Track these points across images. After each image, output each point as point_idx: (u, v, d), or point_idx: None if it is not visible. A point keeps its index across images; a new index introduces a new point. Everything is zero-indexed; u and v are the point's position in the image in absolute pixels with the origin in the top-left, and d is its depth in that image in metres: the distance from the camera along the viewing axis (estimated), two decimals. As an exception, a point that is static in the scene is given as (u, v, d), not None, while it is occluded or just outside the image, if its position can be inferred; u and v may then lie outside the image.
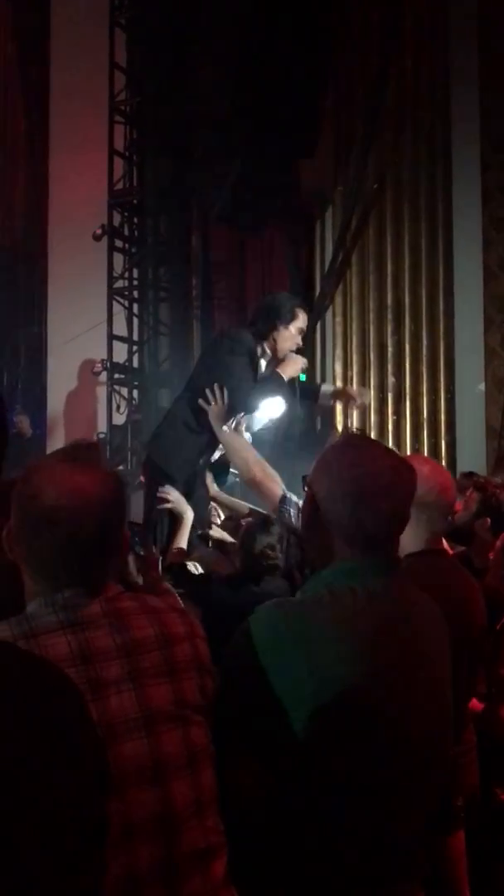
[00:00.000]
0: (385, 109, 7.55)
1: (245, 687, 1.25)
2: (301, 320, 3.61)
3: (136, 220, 8.69)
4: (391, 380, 7.43)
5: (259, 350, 3.59)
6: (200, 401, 3.40)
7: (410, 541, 1.83)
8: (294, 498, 2.85)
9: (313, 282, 7.97)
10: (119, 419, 8.33)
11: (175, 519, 3.26)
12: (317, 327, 7.57)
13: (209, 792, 1.22)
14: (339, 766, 1.21)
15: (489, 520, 2.62)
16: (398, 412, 7.36)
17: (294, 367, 3.59)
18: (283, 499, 2.83)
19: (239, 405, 3.42)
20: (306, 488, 1.41)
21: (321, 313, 7.69)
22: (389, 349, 7.45)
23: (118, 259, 8.54)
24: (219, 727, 1.28)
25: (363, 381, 7.33)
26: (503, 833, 2.03)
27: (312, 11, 7.33)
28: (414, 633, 1.33)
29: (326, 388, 4.15)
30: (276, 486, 2.91)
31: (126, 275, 8.57)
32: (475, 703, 2.14)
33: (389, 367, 7.44)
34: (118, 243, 8.55)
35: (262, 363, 3.65)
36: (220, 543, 3.41)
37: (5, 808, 0.65)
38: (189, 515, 3.27)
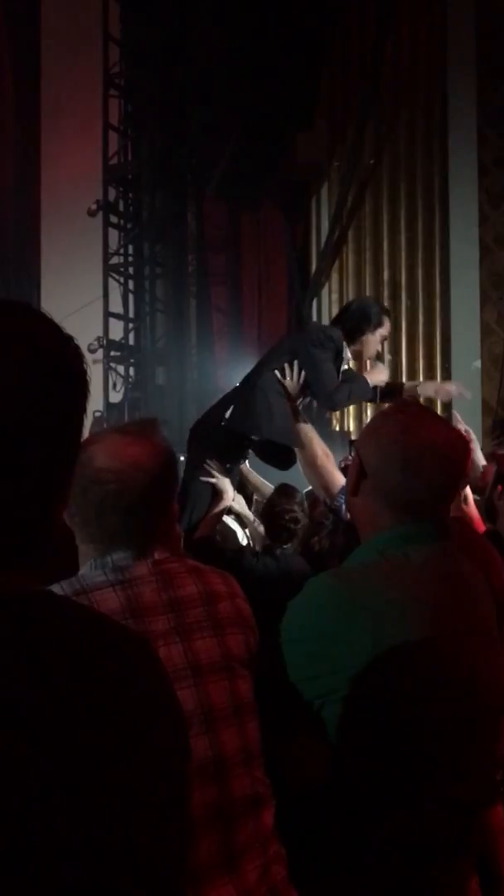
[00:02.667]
0: (381, 84, 7.49)
1: (303, 658, 1.25)
2: (386, 327, 3.65)
3: (131, 195, 8.61)
4: (388, 357, 7.44)
5: (346, 352, 3.61)
6: (277, 372, 3.42)
7: None
8: None
9: (309, 258, 7.94)
10: (116, 397, 8.33)
11: (216, 494, 3.30)
12: (313, 304, 7.56)
13: (255, 744, 1.26)
14: (403, 733, 1.21)
15: (501, 487, 2.64)
16: (400, 398, 7.37)
17: (380, 376, 3.64)
18: (343, 489, 2.81)
19: (324, 398, 3.46)
20: (353, 454, 1.39)
21: (317, 290, 7.68)
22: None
23: (113, 235, 8.49)
24: (273, 700, 1.29)
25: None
26: None
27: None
28: (468, 599, 1.32)
29: (411, 385, 4.10)
30: (337, 472, 2.89)
31: (121, 251, 8.52)
32: None
33: (386, 345, 7.43)
34: (113, 219, 8.49)
35: (348, 365, 3.69)
36: (238, 515, 3.48)
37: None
38: (229, 495, 3.33)
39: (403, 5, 7.46)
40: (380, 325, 3.59)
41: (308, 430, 3.10)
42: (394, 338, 7.41)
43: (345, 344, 3.57)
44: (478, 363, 7.10)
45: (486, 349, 7.05)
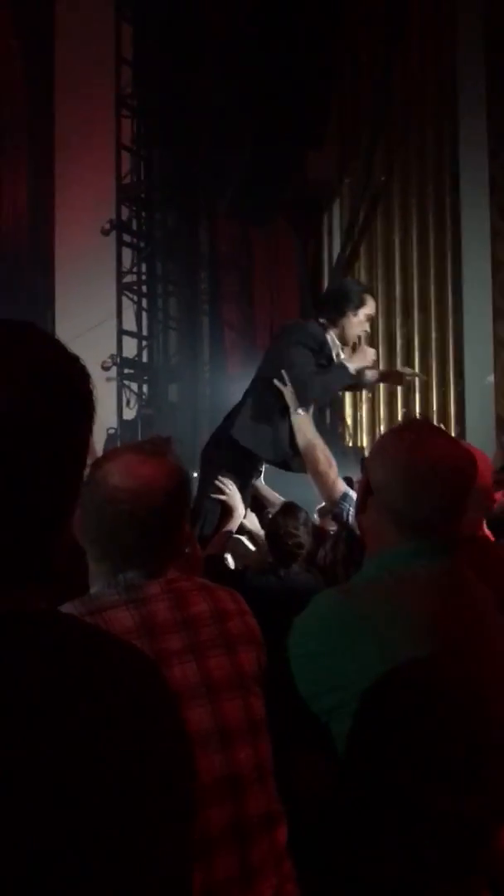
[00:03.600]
0: (392, 101, 7.54)
1: (310, 674, 1.25)
2: (370, 307, 3.50)
3: (144, 214, 8.70)
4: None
5: (329, 339, 3.50)
6: (276, 381, 3.36)
7: None
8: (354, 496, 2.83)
9: (321, 274, 7.97)
10: (129, 414, 8.37)
11: (225, 511, 3.25)
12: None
13: (268, 761, 1.28)
14: (409, 748, 1.21)
15: None
16: (407, 404, 7.37)
17: (364, 358, 3.50)
18: (345, 496, 2.80)
19: (302, 396, 3.36)
20: (362, 472, 1.41)
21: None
22: (398, 341, 7.46)
23: (126, 254, 8.56)
24: (279, 719, 1.30)
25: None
26: None
27: (320, 2, 7.31)
28: (476, 615, 1.32)
29: (371, 374, 4.02)
30: (340, 481, 2.88)
31: (135, 269, 8.59)
32: None
33: (398, 360, 7.44)
34: (126, 238, 8.57)
35: (340, 353, 3.57)
36: (249, 533, 3.45)
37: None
38: (240, 512, 3.27)
39: (413, 23, 7.51)
40: (361, 304, 3.45)
41: (312, 438, 3.07)
42: (406, 352, 7.42)
43: (329, 332, 3.48)
44: (491, 378, 7.08)
45: (499, 364, 7.03)
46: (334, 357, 3.48)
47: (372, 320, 3.60)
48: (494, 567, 1.90)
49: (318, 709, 1.24)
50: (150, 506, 1.23)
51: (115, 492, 1.22)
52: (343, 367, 3.42)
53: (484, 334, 7.09)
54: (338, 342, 3.45)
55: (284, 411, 3.31)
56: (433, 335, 7.34)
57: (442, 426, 6.21)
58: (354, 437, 7.31)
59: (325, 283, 7.84)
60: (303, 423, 3.17)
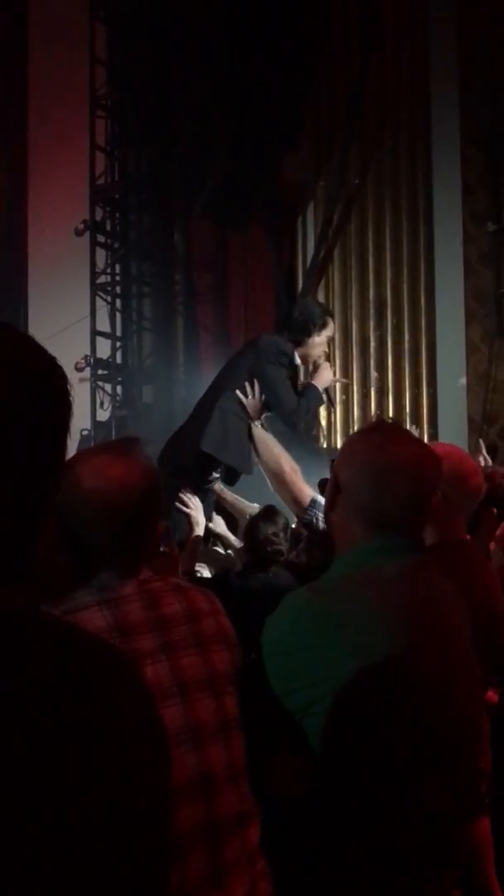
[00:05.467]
0: (366, 105, 7.59)
1: (283, 672, 1.27)
2: (330, 328, 3.69)
3: (118, 215, 8.66)
4: (374, 375, 7.49)
5: (296, 359, 3.64)
6: (238, 392, 3.44)
7: (429, 528, 1.84)
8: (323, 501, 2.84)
9: (296, 276, 8.00)
10: (103, 415, 8.32)
11: (188, 526, 3.26)
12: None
13: (241, 760, 1.28)
14: (383, 745, 1.23)
15: (495, 510, 2.65)
16: (381, 407, 7.41)
17: (328, 376, 3.66)
18: (313, 502, 2.83)
19: (285, 420, 3.49)
20: (331, 472, 1.43)
21: (304, 308, 7.72)
22: (372, 344, 7.50)
23: (100, 254, 8.51)
24: (254, 719, 1.31)
25: (346, 376, 7.37)
26: None
27: (295, 5, 7.34)
28: (441, 611, 1.35)
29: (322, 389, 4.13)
30: (306, 486, 2.92)
31: (109, 270, 8.55)
32: (491, 695, 2.16)
33: (372, 363, 7.49)
34: (100, 238, 8.52)
35: (297, 370, 3.72)
36: (219, 538, 3.46)
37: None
38: (202, 525, 3.28)
39: (388, 27, 7.57)
40: (324, 326, 3.62)
41: (274, 447, 3.12)
42: (380, 355, 7.47)
43: (295, 351, 3.60)
44: (463, 380, 7.15)
45: (471, 366, 7.11)
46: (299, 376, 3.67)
47: (331, 340, 3.75)
48: (468, 567, 1.92)
49: (293, 706, 1.25)
50: (122, 507, 1.23)
51: (87, 493, 1.22)
52: (314, 388, 3.57)
53: (456, 337, 7.17)
54: (299, 361, 3.61)
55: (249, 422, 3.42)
56: (406, 337, 7.40)
57: (415, 428, 6.29)
58: (328, 439, 7.34)
59: (300, 285, 7.86)
60: (264, 435, 3.24)
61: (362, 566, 1.33)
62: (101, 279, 8.50)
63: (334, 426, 7.35)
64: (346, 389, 7.26)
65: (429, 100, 7.47)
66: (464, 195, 7.23)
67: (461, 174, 7.25)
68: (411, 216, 7.50)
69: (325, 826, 1.25)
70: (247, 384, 3.45)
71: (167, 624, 1.27)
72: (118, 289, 8.58)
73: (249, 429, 3.42)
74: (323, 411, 7.14)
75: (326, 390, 3.69)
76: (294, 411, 3.50)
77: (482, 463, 3.72)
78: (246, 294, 8.34)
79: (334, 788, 1.24)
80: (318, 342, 3.62)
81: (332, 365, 7.46)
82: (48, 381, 0.68)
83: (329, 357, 3.79)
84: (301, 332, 3.59)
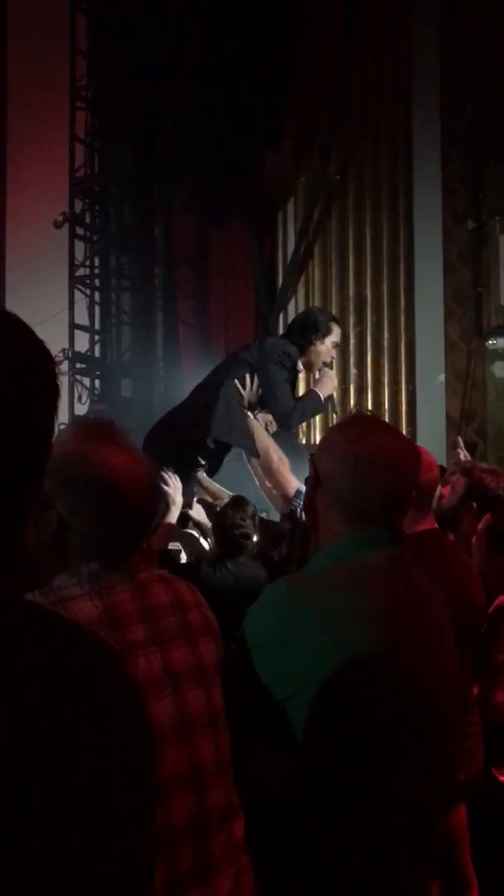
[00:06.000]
0: (347, 103, 7.60)
1: (264, 663, 1.26)
2: (335, 334, 3.67)
3: (97, 207, 8.59)
4: (353, 371, 7.51)
5: (298, 364, 3.64)
6: (237, 381, 3.45)
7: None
8: None
9: (276, 273, 8.00)
10: (81, 409, 8.27)
11: (165, 505, 3.28)
12: (280, 318, 7.60)
13: (227, 753, 1.27)
14: (363, 736, 1.22)
15: (475, 504, 2.65)
16: (360, 403, 7.44)
17: (331, 385, 3.65)
18: (298, 492, 2.85)
19: (280, 420, 3.49)
20: (310, 465, 1.43)
21: (284, 304, 7.73)
22: (352, 341, 7.52)
23: (79, 247, 8.45)
24: (234, 710, 1.30)
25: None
26: (502, 814, 2.08)
27: (278, 2, 7.33)
28: (422, 603, 1.35)
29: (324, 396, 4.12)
30: (292, 477, 2.94)
31: (87, 263, 8.49)
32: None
33: (352, 360, 7.51)
34: (80, 231, 8.46)
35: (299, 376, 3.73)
36: (198, 524, 3.47)
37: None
38: (178, 506, 3.31)
39: (369, 26, 7.59)
40: (328, 333, 3.62)
41: (264, 438, 3.16)
42: (359, 352, 7.49)
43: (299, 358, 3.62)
44: (442, 378, 7.20)
45: (450, 364, 7.15)
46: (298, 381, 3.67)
47: (337, 347, 3.74)
48: (442, 559, 1.93)
49: (275, 698, 1.25)
50: (118, 498, 1.20)
51: (79, 483, 1.19)
52: (315, 394, 3.56)
53: (435, 335, 7.21)
54: (302, 367, 3.60)
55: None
56: (386, 335, 7.43)
57: (393, 425, 6.30)
58: (308, 434, 7.35)
59: (280, 282, 7.86)
60: (257, 426, 3.27)
61: (343, 558, 1.33)
62: (80, 272, 8.44)
63: (313, 422, 7.36)
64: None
65: (410, 98, 7.50)
66: (444, 194, 7.27)
67: (441, 173, 7.30)
68: (391, 214, 7.53)
69: (306, 819, 1.25)
70: (247, 376, 3.46)
71: (156, 615, 1.25)
72: (97, 282, 8.52)
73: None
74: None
75: (330, 398, 3.68)
76: (289, 413, 3.52)
77: (462, 458, 3.74)
78: (226, 290, 8.33)
79: (315, 781, 1.24)
80: (323, 350, 3.62)
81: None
82: (38, 365, 0.67)
83: (333, 366, 3.76)
84: (303, 339, 3.60)
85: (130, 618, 1.22)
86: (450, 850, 1.60)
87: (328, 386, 3.64)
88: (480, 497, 2.69)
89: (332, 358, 3.71)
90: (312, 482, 1.41)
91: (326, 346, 3.63)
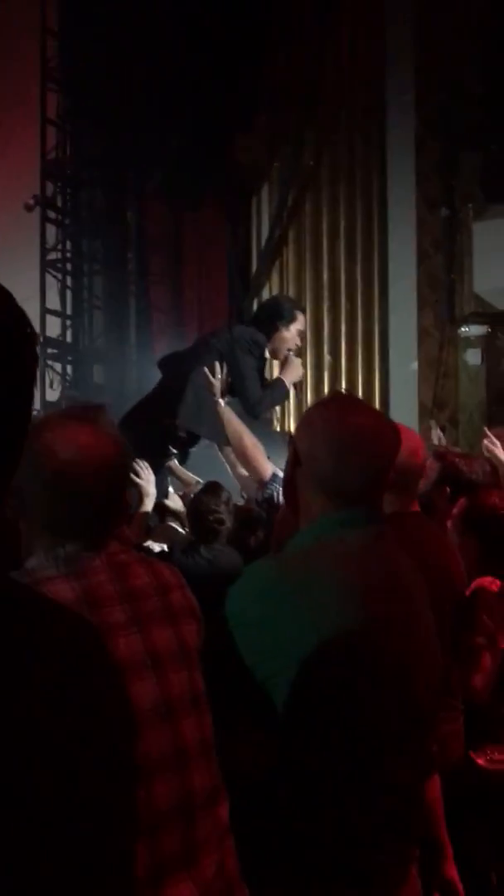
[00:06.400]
0: (322, 88, 7.56)
1: (246, 644, 1.25)
2: (300, 322, 3.68)
3: (69, 191, 8.49)
4: (327, 358, 7.51)
5: (266, 352, 3.64)
6: (206, 369, 3.44)
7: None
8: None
9: (250, 258, 7.96)
10: (53, 395, 8.19)
11: (138, 497, 3.27)
12: (253, 304, 7.58)
13: (210, 735, 1.27)
14: (347, 717, 1.23)
15: (448, 489, 2.67)
16: (333, 390, 7.45)
17: (297, 372, 3.66)
18: (274, 476, 2.85)
19: (248, 408, 3.50)
20: (289, 446, 1.42)
21: (257, 290, 7.70)
22: (325, 328, 7.52)
23: (51, 231, 8.34)
24: (217, 692, 1.29)
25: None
26: (482, 799, 2.11)
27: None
28: (403, 584, 1.36)
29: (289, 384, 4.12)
30: (266, 461, 2.94)
31: (59, 247, 8.38)
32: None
33: (325, 346, 7.51)
34: (51, 214, 8.34)
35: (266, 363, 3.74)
36: (175, 515, 3.46)
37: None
38: (152, 497, 3.30)
39: (345, 11, 7.55)
40: (293, 320, 3.64)
41: (236, 424, 3.16)
42: (333, 339, 7.49)
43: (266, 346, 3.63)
44: (415, 365, 7.23)
45: (422, 351, 7.19)
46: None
47: (303, 335, 3.75)
48: (424, 542, 1.94)
49: (257, 678, 1.25)
50: (92, 477, 1.19)
51: (55, 463, 1.18)
52: (281, 382, 3.58)
53: (408, 323, 7.24)
54: (268, 355, 3.62)
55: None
56: (359, 322, 7.44)
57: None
58: (282, 422, 7.35)
59: (254, 267, 7.83)
60: (228, 413, 3.27)
61: (324, 538, 1.33)
62: (52, 256, 8.33)
63: (287, 409, 7.36)
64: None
65: (384, 84, 7.48)
66: (417, 181, 7.27)
67: (415, 159, 7.30)
68: (365, 200, 7.52)
69: (288, 801, 1.25)
70: (216, 363, 3.46)
71: (137, 596, 1.24)
72: (69, 266, 8.42)
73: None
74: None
75: (297, 385, 3.71)
76: (257, 402, 3.54)
77: (436, 442, 3.76)
78: (199, 275, 8.28)
79: (296, 761, 1.24)
80: (288, 336, 3.64)
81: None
82: (22, 334, 0.65)
83: (300, 352, 3.77)
84: (269, 326, 3.61)
85: (110, 599, 1.21)
86: (426, 819, 1.62)
87: (294, 373, 3.66)
88: (454, 482, 2.70)
89: (298, 345, 3.73)
90: (292, 463, 1.41)
91: (292, 333, 3.65)
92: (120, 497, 1.29)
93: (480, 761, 2.14)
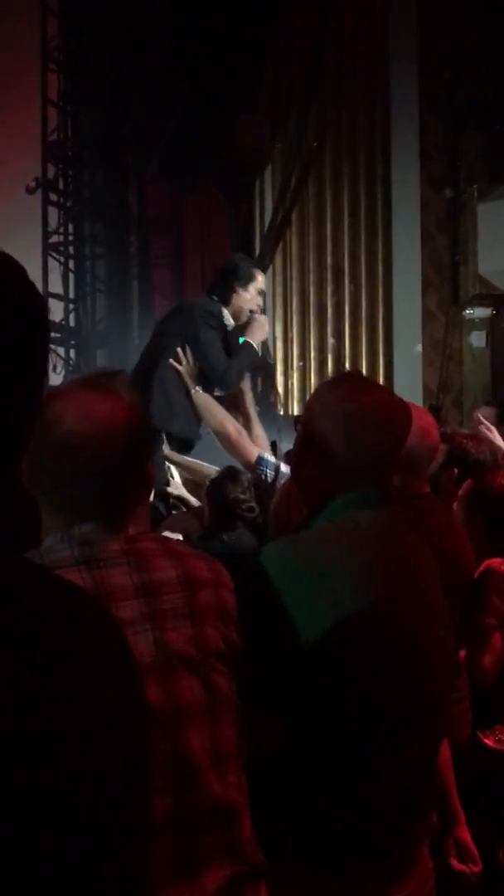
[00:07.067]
0: (325, 68, 7.49)
1: (262, 627, 1.25)
2: (259, 281, 3.61)
3: (71, 173, 8.42)
4: (331, 341, 7.48)
5: (224, 315, 3.58)
6: (172, 361, 3.40)
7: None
8: (272, 459, 2.87)
9: (253, 241, 7.91)
10: (56, 379, 8.16)
11: None
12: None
13: (229, 745, 1.17)
14: (360, 696, 1.23)
15: (456, 470, 2.66)
16: (337, 373, 7.43)
17: (262, 330, 3.59)
18: (260, 459, 2.84)
19: (217, 382, 3.44)
20: (298, 426, 1.42)
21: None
22: (329, 310, 7.49)
23: (53, 213, 8.28)
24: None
25: (303, 343, 7.37)
26: (490, 779, 2.12)
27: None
28: (414, 564, 1.36)
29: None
30: (251, 445, 2.93)
31: (61, 230, 8.33)
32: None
33: (329, 329, 7.48)
34: (53, 197, 8.28)
35: (229, 327, 3.66)
36: (181, 501, 3.43)
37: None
38: (149, 493, 3.26)
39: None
40: (251, 279, 3.58)
41: (217, 411, 3.15)
42: (336, 322, 7.46)
43: (224, 310, 3.55)
44: (419, 348, 7.20)
45: (427, 334, 7.16)
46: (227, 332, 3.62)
47: (263, 294, 3.69)
48: (435, 523, 1.94)
49: (272, 658, 1.25)
50: (107, 452, 1.11)
51: (69, 436, 1.10)
52: (249, 346, 3.52)
53: (413, 305, 7.20)
54: (230, 319, 3.55)
55: (188, 389, 3.40)
56: (363, 304, 7.40)
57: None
58: (286, 405, 7.33)
59: (257, 250, 7.78)
60: (205, 400, 3.25)
61: (336, 519, 1.33)
62: (54, 239, 8.28)
63: (291, 393, 7.35)
64: (303, 356, 7.26)
65: (387, 66, 7.41)
66: (421, 161, 7.22)
67: (419, 140, 7.24)
68: (369, 182, 7.46)
69: (300, 778, 1.25)
70: (179, 350, 3.42)
71: (157, 590, 1.14)
72: (71, 249, 8.37)
73: (190, 395, 3.42)
74: (280, 377, 7.13)
75: (265, 344, 3.64)
76: (224, 372, 3.47)
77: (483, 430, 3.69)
78: (202, 258, 8.23)
79: (309, 740, 1.24)
80: (247, 297, 3.58)
81: (290, 331, 7.49)
82: (35, 306, 0.64)
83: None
84: (225, 289, 3.56)
85: (123, 593, 1.12)
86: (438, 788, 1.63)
87: (259, 333, 3.59)
88: (461, 462, 2.70)
89: (259, 305, 3.66)
90: (301, 443, 1.40)
91: (251, 294, 3.59)
92: (138, 469, 1.18)
93: (488, 741, 2.15)
